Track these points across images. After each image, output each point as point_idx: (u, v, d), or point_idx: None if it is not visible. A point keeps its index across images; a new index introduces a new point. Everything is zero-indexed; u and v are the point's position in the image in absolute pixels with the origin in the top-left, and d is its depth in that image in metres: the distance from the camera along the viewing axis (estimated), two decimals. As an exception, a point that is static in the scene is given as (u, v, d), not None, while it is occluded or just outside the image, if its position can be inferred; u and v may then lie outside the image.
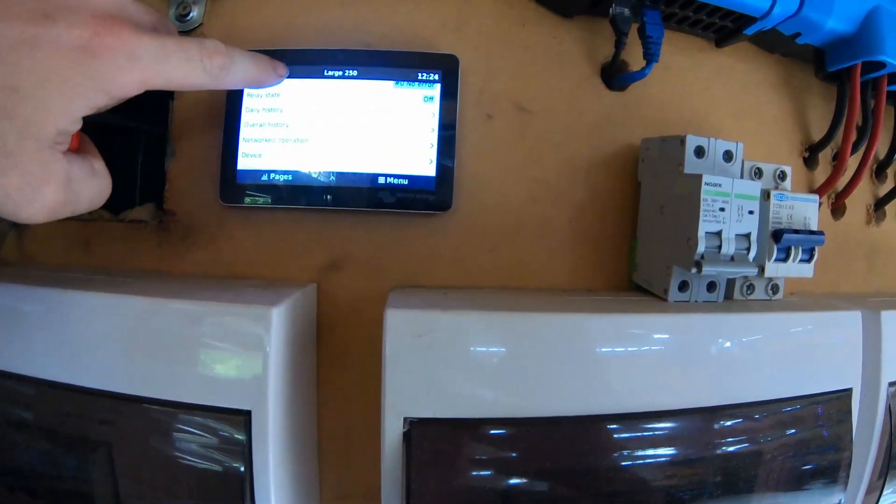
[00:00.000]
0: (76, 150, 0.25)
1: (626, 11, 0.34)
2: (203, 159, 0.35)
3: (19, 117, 0.21)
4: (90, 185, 0.25)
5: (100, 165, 0.26)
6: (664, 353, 0.30)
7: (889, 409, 0.36)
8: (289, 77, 0.33)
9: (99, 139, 0.27)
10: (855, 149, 0.39)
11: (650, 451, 0.29)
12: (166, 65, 0.24)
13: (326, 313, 0.35)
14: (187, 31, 0.36)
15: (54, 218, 0.24)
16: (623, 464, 0.29)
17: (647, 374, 0.29)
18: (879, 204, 0.44)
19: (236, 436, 0.27)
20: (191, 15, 0.36)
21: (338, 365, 0.35)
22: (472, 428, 0.27)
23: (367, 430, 0.35)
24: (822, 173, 0.42)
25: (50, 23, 0.21)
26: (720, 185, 0.30)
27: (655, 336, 0.30)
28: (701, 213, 0.30)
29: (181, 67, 0.25)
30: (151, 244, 0.35)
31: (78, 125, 0.23)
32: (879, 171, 0.44)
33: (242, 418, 0.27)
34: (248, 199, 0.33)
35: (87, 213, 0.26)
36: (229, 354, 0.28)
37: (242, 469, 0.27)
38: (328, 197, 0.33)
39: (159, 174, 0.36)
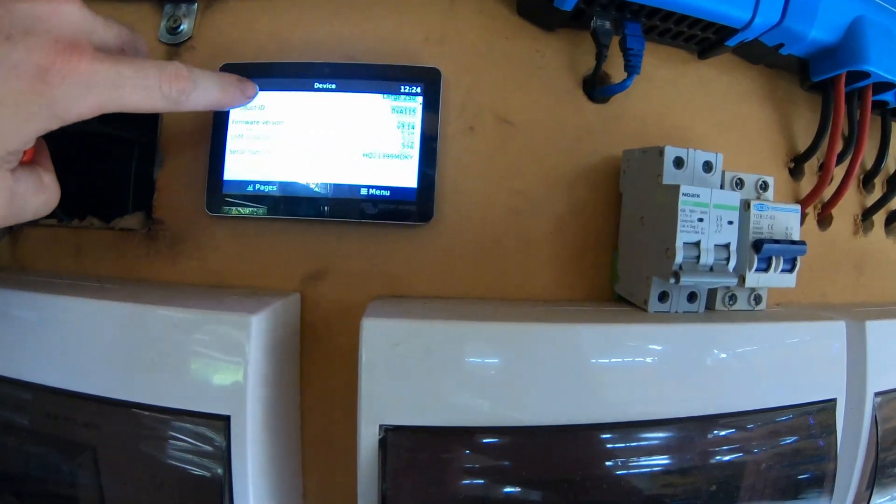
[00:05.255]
0: (28, 161, 0.26)
1: (607, 24, 0.34)
2: (191, 169, 0.35)
3: None
4: (35, 199, 0.26)
5: (49, 178, 0.26)
6: (642, 363, 0.30)
7: (875, 420, 0.36)
8: (275, 90, 0.34)
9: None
10: (841, 159, 0.39)
11: (628, 461, 0.29)
12: (121, 91, 0.24)
13: (310, 322, 0.35)
14: (177, 43, 0.36)
15: None
16: (598, 473, 0.29)
17: (623, 385, 0.29)
18: (867, 214, 0.43)
19: (216, 440, 0.28)
20: (181, 28, 0.36)
21: (321, 373, 0.36)
22: (447, 436, 0.28)
23: (350, 438, 0.35)
24: (807, 184, 0.41)
25: (10, 45, 0.21)
26: (698, 196, 0.30)
27: (633, 346, 0.30)
28: (679, 224, 0.30)
29: (137, 93, 0.25)
30: (140, 252, 0.36)
31: (29, 145, 0.24)
32: (866, 181, 0.44)
33: (222, 423, 0.28)
34: (233, 210, 0.34)
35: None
36: (210, 360, 0.28)
37: (222, 473, 0.28)
38: (312, 208, 0.34)
39: (150, 183, 0.37)
